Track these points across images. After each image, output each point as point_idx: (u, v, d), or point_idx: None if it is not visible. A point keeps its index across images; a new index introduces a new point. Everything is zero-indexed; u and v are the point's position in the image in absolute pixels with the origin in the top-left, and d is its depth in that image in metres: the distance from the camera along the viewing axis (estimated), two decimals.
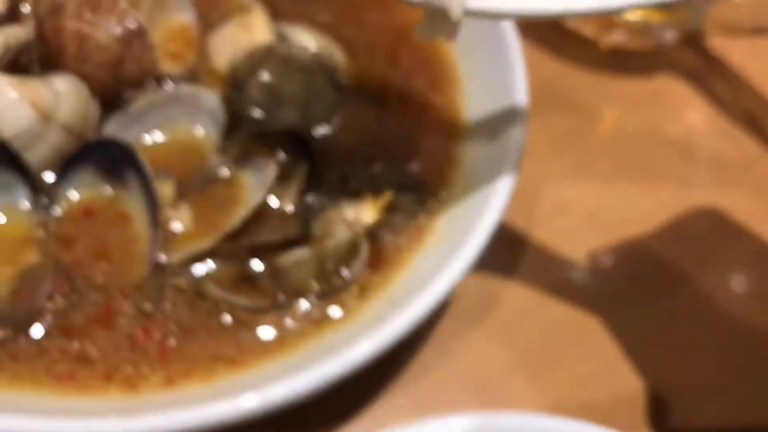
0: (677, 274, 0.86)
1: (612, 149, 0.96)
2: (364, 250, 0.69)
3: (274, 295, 0.67)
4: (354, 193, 0.74)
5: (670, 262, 0.87)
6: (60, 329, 0.63)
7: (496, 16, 0.65)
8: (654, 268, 0.86)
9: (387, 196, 0.73)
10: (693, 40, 1.08)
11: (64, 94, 0.69)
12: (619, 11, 0.66)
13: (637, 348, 0.80)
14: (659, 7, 0.75)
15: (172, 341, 0.64)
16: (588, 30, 1.05)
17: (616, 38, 1.05)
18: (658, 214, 0.91)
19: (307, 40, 0.82)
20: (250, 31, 0.81)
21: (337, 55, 0.83)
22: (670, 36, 1.06)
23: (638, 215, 0.91)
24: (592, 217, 0.90)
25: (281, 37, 0.82)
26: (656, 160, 0.96)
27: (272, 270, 0.66)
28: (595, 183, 0.93)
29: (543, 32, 1.04)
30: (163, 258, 0.67)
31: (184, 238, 0.69)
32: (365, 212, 0.71)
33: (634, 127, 0.99)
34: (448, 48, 0.88)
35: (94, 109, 0.71)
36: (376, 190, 0.74)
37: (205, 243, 0.67)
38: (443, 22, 0.59)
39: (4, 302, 0.63)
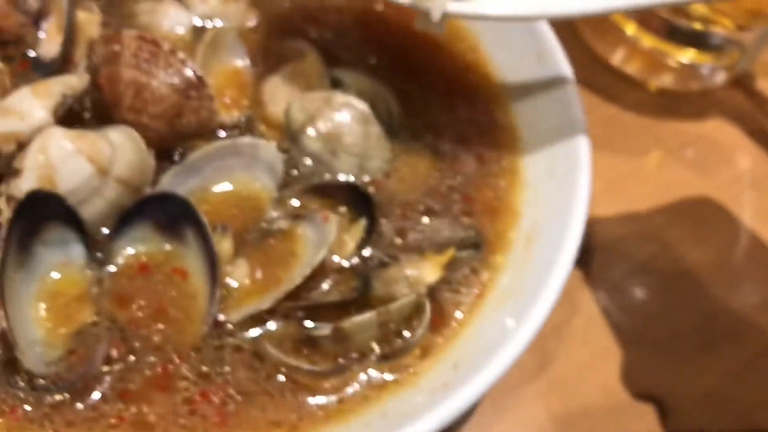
0: (732, 328, 0.84)
1: (663, 195, 0.94)
2: (427, 312, 0.67)
3: (335, 358, 0.65)
4: (413, 248, 0.72)
5: (724, 315, 0.85)
6: (117, 393, 0.61)
7: (472, 18, 0.75)
8: (706, 321, 0.85)
9: (449, 253, 0.70)
10: (742, 82, 1.06)
11: (120, 147, 0.67)
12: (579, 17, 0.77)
13: (694, 400, 0.78)
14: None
15: (231, 406, 0.62)
16: (638, 72, 1.04)
17: (665, 80, 1.04)
18: (710, 263, 0.89)
19: (361, 87, 0.80)
20: (305, 78, 0.79)
21: (391, 101, 0.81)
22: (719, 78, 1.05)
23: (691, 264, 0.89)
24: (645, 266, 0.88)
25: (336, 84, 0.80)
26: (707, 207, 0.95)
27: (334, 333, 0.64)
28: (647, 230, 0.91)
29: (597, 74, 1.03)
30: (221, 317, 0.65)
31: (242, 295, 0.67)
32: (427, 270, 0.69)
33: (685, 171, 0.97)
34: (504, 92, 0.86)
35: (150, 160, 0.69)
36: (435, 245, 0.72)
37: (265, 303, 0.65)
38: (429, 20, 0.72)
39: (60, 364, 0.61)
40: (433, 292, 0.69)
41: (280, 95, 0.78)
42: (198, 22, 0.84)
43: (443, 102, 0.85)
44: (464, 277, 0.72)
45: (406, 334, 0.67)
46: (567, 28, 1.04)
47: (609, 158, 0.95)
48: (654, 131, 1.00)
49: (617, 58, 1.05)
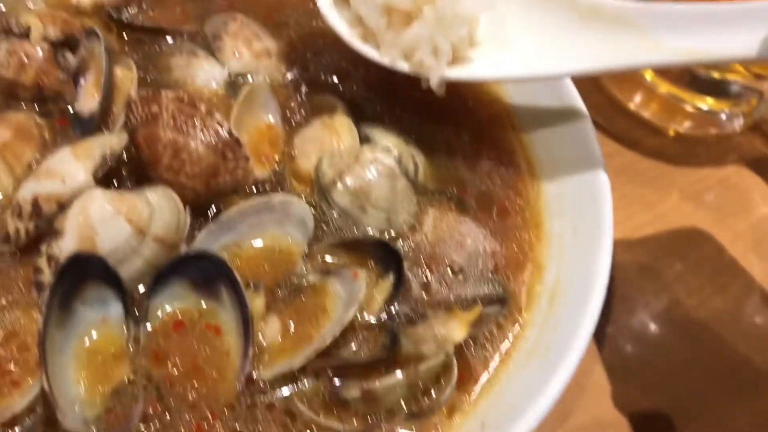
0: (753, 379, 0.85)
1: (682, 243, 0.95)
2: (455, 371, 0.68)
3: (364, 417, 0.66)
4: (440, 304, 0.74)
5: (745, 366, 0.86)
6: None
7: (468, 80, 0.82)
8: (728, 372, 0.85)
9: (476, 310, 0.72)
10: (760, 127, 1.07)
11: (157, 208, 0.69)
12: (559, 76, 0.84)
13: None
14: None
15: None
16: (656, 118, 1.05)
17: (683, 126, 1.06)
18: (729, 312, 0.90)
19: (389, 142, 0.82)
20: (335, 133, 0.81)
21: (417, 155, 0.83)
22: (737, 124, 1.06)
23: (711, 313, 0.90)
24: (664, 315, 0.89)
25: (364, 138, 0.82)
26: (725, 255, 0.96)
27: (364, 395, 0.65)
28: (666, 279, 0.92)
29: (617, 119, 1.05)
30: (253, 374, 0.67)
31: (274, 353, 0.68)
32: (454, 328, 0.70)
33: (704, 217, 0.98)
34: (527, 145, 0.88)
35: (185, 219, 0.71)
36: (462, 302, 0.74)
37: (296, 361, 0.66)
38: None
39: (98, 423, 0.63)
40: (460, 349, 0.71)
41: (310, 150, 0.80)
42: (231, 77, 0.87)
43: (468, 154, 0.86)
44: (490, 333, 0.73)
45: (434, 392, 0.68)
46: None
47: (628, 206, 0.96)
48: (672, 177, 1.01)
49: (635, 103, 1.06)
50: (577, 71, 0.79)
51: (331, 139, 0.80)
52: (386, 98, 0.88)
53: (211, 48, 0.89)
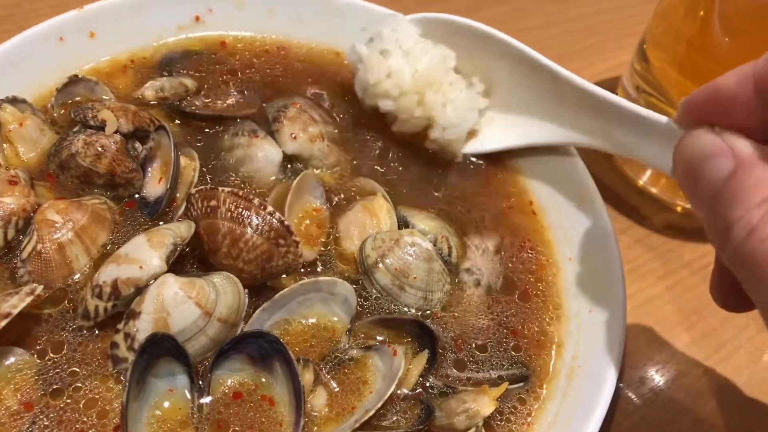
0: None
1: (689, 316, 1.03)
2: None
3: None
4: (469, 380, 0.81)
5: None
6: None
7: (481, 153, 1.01)
8: None
9: (502, 387, 0.80)
10: None
11: (222, 291, 0.77)
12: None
13: None
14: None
15: None
16: (664, 194, 1.14)
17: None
18: (730, 383, 0.98)
19: (425, 225, 0.91)
20: (375, 215, 0.89)
21: (451, 238, 0.92)
22: None
23: (712, 384, 0.97)
24: (673, 384, 0.97)
25: (402, 222, 0.91)
26: (729, 326, 1.03)
27: None
28: (674, 350, 1.00)
29: (629, 196, 1.13)
30: None
31: (321, 423, 0.76)
32: (484, 403, 0.78)
33: (708, 291, 1.06)
34: (546, 228, 0.97)
35: (245, 300, 0.79)
36: (490, 379, 0.82)
37: (341, 430, 0.74)
38: None
39: None
40: (487, 421, 0.79)
41: (353, 232, 0.88)
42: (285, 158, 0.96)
43: (492, 236, 0.95)
44: (514, 407, 0.81)
45: None
46: (602, 155, 1.15)
47: (639, 281, 1.04)
48: (681, 251, 1.09)
49: (644, 180, 1.15)
50: (567, 142, 0.95)
51: (372, 222, 0.89)
52: (422, 182, 0.97)
53: (270, 129, 0.97)
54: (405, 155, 1.01)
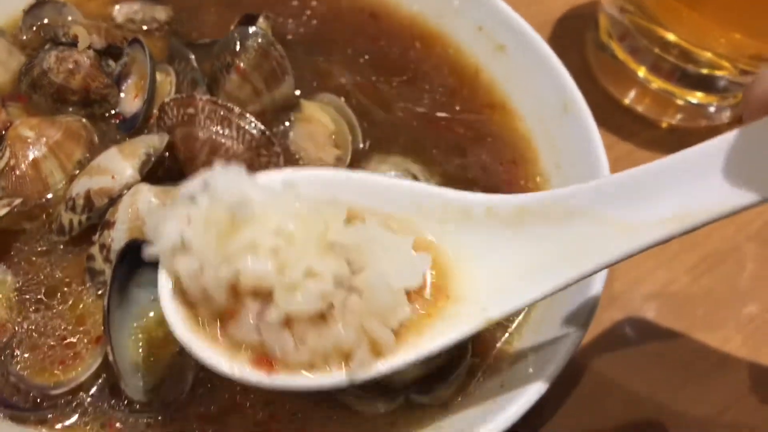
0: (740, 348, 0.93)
1: None
2: (469, 353, 0.75)
3: (382, 387, 0.72)
4: None
5: (732, 337, 0.94)
6: (199, 416, 0.70)
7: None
8: (719, 342, 0.93)
9: None
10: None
11: None
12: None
13: (708, 416, 0.86)
14: None
15: (296, 423, 0.71)
16: (650, 111, 1.13)
17: (675, 118, 1.13)
18: (719, 289, 0.98)
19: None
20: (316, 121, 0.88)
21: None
22: (725, 116, 1.14)
23: (701, 290, 0.97)
24: (661, 291, 0.97)
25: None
26: (715, 235, 1.03)
27: None
28: (664, 263, 0.99)
29: (614, 115, 1.12)
30: None
31: None
32: None
33: None
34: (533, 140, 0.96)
35: None
36: None
37: None
38: None
39: (153, 391, 0.70)
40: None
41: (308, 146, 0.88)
42: None
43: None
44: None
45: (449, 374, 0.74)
46: (585, 75, 1.14)
47: None
48: None
49: (630, 98, 1.14)
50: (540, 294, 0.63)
51: (318, 129, 0.88)
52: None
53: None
54: None
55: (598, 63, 1.17)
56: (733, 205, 0.56)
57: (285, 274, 0.56)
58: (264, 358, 0.59)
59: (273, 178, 0.64)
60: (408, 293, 0.60)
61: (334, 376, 0.59)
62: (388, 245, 0.60)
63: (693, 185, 0.58)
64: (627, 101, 1.14)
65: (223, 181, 0.59)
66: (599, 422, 0.84)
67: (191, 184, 0.60)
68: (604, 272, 0.76)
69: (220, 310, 0.59)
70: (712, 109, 1.12)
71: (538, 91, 0.95)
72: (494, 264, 0.64)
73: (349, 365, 0.58)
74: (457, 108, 0.99)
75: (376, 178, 0.69)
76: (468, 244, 0.65)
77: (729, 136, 0.57)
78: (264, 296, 0.57)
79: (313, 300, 0.56)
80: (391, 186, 0.68)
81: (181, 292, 0.60)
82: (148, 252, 0.60)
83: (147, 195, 0.74)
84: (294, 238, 0.57)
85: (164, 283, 0.60)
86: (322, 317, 0.58)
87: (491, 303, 0.62)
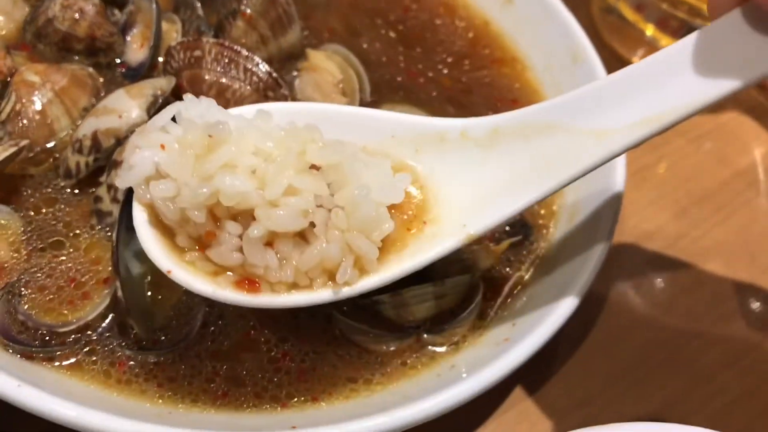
0: (753, 298, 0.92)
1: (685, 181, 1.02)
2: (480, 291, 0.74)
3: (392, 324, 0.72)
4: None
5: (745, 288, 0.93)
6: (210, 353, 0.70)
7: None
8: (731, 292, 0.92)
9: (503, 245, 0.79)
10: None
11: None
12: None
13: (720, 363, 0.85)
14: None
15: (308, 363, 0.71)
16: None
17: None
18: (731, 241, 0.97)
19: None
20: (322, 70, 0.88)
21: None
22: None
23: (713, 243, 0.97)
24: (672, 245, 0.96)
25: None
26: (726, 191, 1.02)
27: (392, 299, 0.70)
28: (673, 213, 0.99)
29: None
30: None
31: None
32: (482, 258, 0.77)
33: (705, 159, 1.05)
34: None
35: None
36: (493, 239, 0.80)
37: None
38: None
39: (163, 330, 0.69)
40: (488, 273, 0.77)
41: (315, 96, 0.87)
42: None
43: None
44: (516, 255, 0.80)
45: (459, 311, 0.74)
46: (593, 36, 1.13)
47: (634, 150, 1.02)
48: None
49: (638, 57, 1.13)
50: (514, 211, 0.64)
51: (324, 77, 0.88)
52: None
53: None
54: None
55: (605, 25, 1.17)
56: (697, 102, 0.57)
57: (265, 192, 0.56)
58: (247, 279, 0.59)
59: (246, 110, 0.65)
60: (390, 211, 0.61)
61: (319, 293, 0.59)
62: (368, 163, 0.61)
63: (658, 88, 0.58)
64: (636, 60, 1.13)
65: (195, 110, 0.59)
66: (610, 369, 0.83)
67: (162, 114, 0.60)
68: (613, 222, 0.76)
69: (200, 234, 0.59)
70: None
71: (547, 42, 0.95)
72: (472, 183, 0.65)
73: (335, 282, 0.59)
74: (466, 62, 0.98)
75: (350, 109, 0.71)
76: (445, 167, 0.67)
77: (690, 39, 0.58)
78: (245, 218, 0.57)
79: (296, 216, 0.56)
80: (366, 116, 0.69)
81: (159, 222, 0.60)
82: (120, 183, 0.60)
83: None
84: (273, 158, 0.57)
85: (138, 213, 0.60)
86: (303, 238, 0.58)
87: (471, 219, 0.64)
